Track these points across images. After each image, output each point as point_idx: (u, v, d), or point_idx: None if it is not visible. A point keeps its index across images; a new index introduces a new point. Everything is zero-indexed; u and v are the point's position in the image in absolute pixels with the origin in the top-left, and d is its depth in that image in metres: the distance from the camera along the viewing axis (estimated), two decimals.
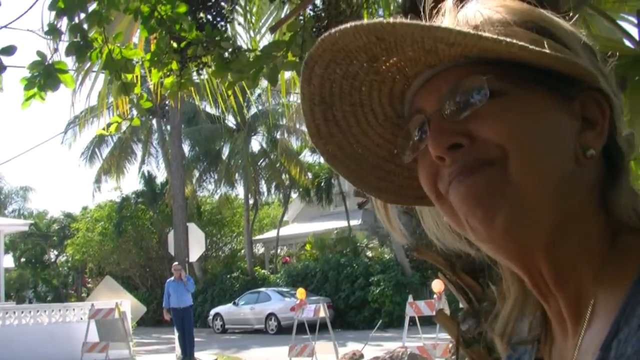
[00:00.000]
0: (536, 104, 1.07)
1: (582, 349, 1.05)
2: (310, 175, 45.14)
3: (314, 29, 5.44)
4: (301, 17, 5.45)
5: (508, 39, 1.00)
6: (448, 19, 1.13)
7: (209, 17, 5.73)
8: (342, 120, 1.22)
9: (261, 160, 46.24)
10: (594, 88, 1.11)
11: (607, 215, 1.09)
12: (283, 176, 45.56)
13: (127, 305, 23.62)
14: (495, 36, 1.00)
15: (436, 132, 1.08)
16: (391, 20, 1.03)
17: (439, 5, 1.18)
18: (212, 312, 38.79)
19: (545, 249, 1.07)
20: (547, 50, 1.02)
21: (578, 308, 1.08)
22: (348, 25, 1.04)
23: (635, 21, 5.68)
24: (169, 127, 43.14)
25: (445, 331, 4.98)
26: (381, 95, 1.21)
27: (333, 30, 1.05)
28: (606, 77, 1.13)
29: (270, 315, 35.02)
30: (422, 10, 1.19)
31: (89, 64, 6.92)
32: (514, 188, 1.03)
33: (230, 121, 45.35)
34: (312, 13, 5.55)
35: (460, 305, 4.94)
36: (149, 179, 49.04)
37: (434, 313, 14.42)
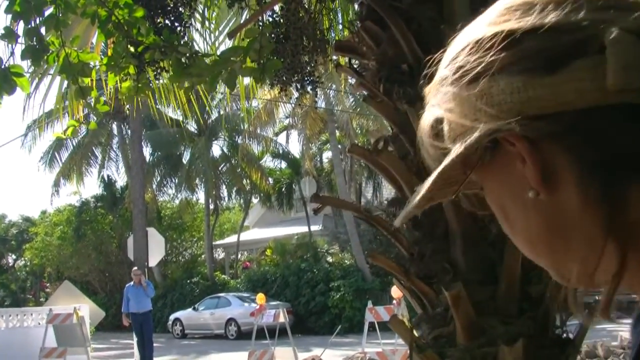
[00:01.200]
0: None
1: None
2: (271, 180, 45.13)
3: (272, 35, 5.45)
4: (260, 23, 5.46)
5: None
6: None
7: (167, 21, 5.72)
8: None
9: (222, 165, 46.11)
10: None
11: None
12: (244, 181, 45.46)
13: (86, 310, 23.43)
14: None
15: None
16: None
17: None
18: (172, 317, 38.55)
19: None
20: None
21: None
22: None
23: None
24: (129, 131, 42.87)
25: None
26: None
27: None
28: None
29: (230, 321, 34.92)
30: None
31: (45, 68, 6.87)
32: None
33: (192, 126, 45.21)
34: (270, 19, 5.57)
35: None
36: (108, 183, 48.69)
37: None
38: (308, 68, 5.95)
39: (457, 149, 0.99)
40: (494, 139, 0.99)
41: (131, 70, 5.09)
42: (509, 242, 1.12)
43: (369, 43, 5.06)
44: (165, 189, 47.89)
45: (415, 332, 4.80)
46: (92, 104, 5.15)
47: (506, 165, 1.02)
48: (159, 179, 46.98)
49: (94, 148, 46.64)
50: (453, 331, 4.48)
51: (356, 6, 5.74)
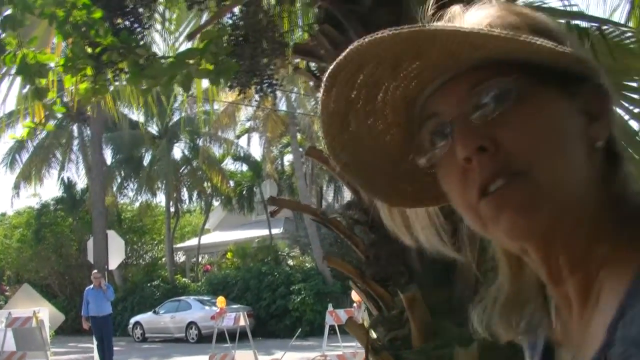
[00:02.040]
0: (554, 107, 1.12)
1: (589, 329, 1.10)
2: (232, 183, 45.06)
3: (232, 37, 5.45)
4: (220, 25, 5.46)
5: (539, 41, 1.04)
6: (460, 23, 1.16)
7: (127, 22, 5.70)
8: (356, 128, 1.24)
9: (183, 168, 45.94)
10: (594, 83, 1.16)
11: (613, 201, 1.13)
12: (205, 184, 45.31)
13: (46, 313, 23.17)
14: (526, 38, 1.04)
15: (464, 133, 1.11)
16: (433, 27, 1.06)
17: (442, 12, 1.21)
18: (132, 320, 38.34)
19: (567, 240, 1.12)
20: (569, 50, 1.08)
21: (586, 291, 1.13)
22: (387, 31, 1.05)
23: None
24: (90, 133, 42.58)
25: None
26: (395, 101, 1.22)
27: (371, 36, 1.07)
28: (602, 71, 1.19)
29: (190, 324, 34.80)
30: (419, 17, 1.21)
31: (5, 69, 6.83)
32: (545, 196, 1.07)
33: (153, 128, 45.01)
34: (229, 21, 5.57)
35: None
36: (69, 186, 48.26)
37: None
38: (267, 70, 5.96)
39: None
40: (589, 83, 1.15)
41: (89, 71, 5.07)
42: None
43: (327, 46, 5.09)
44: (125, 191, 47.66)
45: (372, 334, 4.82)
46: (49, 105, 5.13)
47: (574, 108, 1.15)
48: (119, 181, 46.69)
49: (54, 150, 46.24)
50: (408, 333, 4.51)
51: (315, 10, 5.76)
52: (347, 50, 1.11)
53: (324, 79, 1.17)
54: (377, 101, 1.22)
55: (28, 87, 5.29)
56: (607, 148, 1.17)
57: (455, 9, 1.21)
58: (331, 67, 1.15)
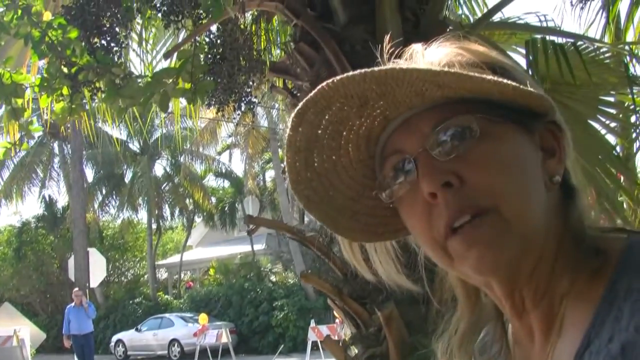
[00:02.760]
0: (514, 143, 1.15)
1: (553, 359, 1.12)
2: (214, 199, 44.99)
3: (209, 56, 5.46)
4: (197, 44, 5.46)
5: (504, 80, 1.08)
6: (421, 62, 1.19)
7: (104, 42, 5.70)
8: (320, 164, 1.27)
9: (165, 185, 45.83)
10: (549, 120, 1.20)
11: (571, 235, 1.17)
12: (187, 200, 45.21)
13: (26, 332, 23.07)
14: (493, 78, 1.07)
15: (429, 169, 1.13)
16: (403, 66, 1.09)
17: (403, 50, 1.25)
18: (114, 338, 38.10)
19: (530, 274, 1.16)
20: (532, 89, 1.11)
21: (550, 323, 1.16)
22: (357, 72, 1.08)
23: (524, 52, 5.87)
24: (70, 151, 42.44)
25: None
26: (358, 139, 1.25)
27: (341, 76, 1.10)
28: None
29: (173, 341, 34.64)
30: (380, 51, 1.25)
31: None
32: (513, 231, 1.11)
33: (134, 145, 44.92)
34: (207, 39, 5.58)
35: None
36: (49, 203, 48.04)
37: (336, 337, 14.47)
38: (245, 88, 5.97)
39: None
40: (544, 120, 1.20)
41: (65, 91, 5.07)
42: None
43: (302, 64, 5.11)
44: (107, 208, 47.42)
45: (354, 350, 4.83)
46: (26, 125, 5.11)
47: (532, 144, 1.18)
48: (100, 198, 46.49)
49: (35, 167, 46.00)
50: (386, 350, 4.51)
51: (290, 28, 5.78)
52: (316, 89, 1.13)
53: (292, 117, 1.19)
54: (341, 138, 1.25)
55: (4, 106, 5.29)
56: (563, 182, 1.20)
57: (416, 47, 1.24)
58: (299, 105, 1.17)
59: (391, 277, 1.37)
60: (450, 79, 1.07)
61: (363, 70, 1.08)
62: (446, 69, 1.11)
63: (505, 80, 1.08)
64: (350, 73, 1.09)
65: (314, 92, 1.14)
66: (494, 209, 1.10)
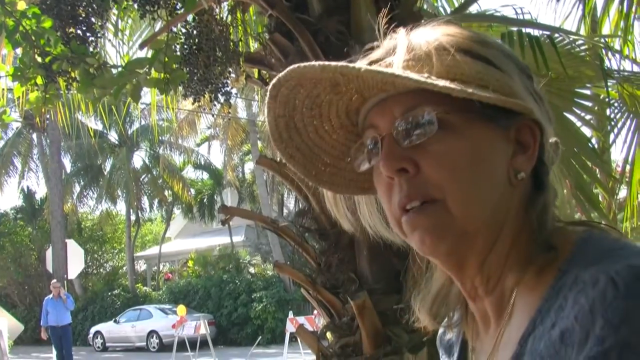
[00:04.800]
0: (478, 138, 1.17)
1: (502, 342, 1.20)
2: (193, 191, 44.90)
3: (185, 46, 5.45)
4: (173, 34, 5.45)
5: (458, 87, 1.09)
6: (401, 52, 1.20)
7: (79, 31, 5.68)
8: (302, 127, 1.33)
9: (143, 176, 45.67)
10: (530, 118, 1.21)
11: (530, 228, 1.20)
12: (166, 192, 45.15)
13: (4, 323, 22.92)
14: (446, 83, 1.10)
15: (387, 154, 1.18)
16: (356, 66, 1.11)
17: (392, 29, 1.28)
18: (93, 330, 38.02)
19: (480, 265, 1.21)
20: (491, 95, 1.12)
21: (501, 309, 1.22)
22: (316, 63, 1.13)
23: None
24: (48, 141, 42.20)
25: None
26: (339, 109, 1.30)
27: (302, 64, 1.15)
28: (539, 99, 1.25)
29: (151, 333, 34.61)
30: (377, 29, 1.28)
31: None
32: (455, 222, 1.15)
33: (113, 136, 44.75)
34: (183, 30, 5.57)
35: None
36: (28, 195, 47.87)
37: (314, 329, 14.50)
38: (222, 79, 5.97)
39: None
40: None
41: (39, 80, 5.04)
42: (413, 251, 1.25)
43: (277, 55, 5.11)
44: (85, 200, 47.21)
45: (329, 340, 4.85)
46: None
47: (502, 137, 1.20)
48: (79, 189, 46.30)
49: (13, 158, 45.74)
50: (359, 340, 4.53)
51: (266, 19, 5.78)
52: (286, 70, 1.17)
53: (269, 88, 1.23)
54: (320, 108, 1.30)
55: None
56: (535, 177, 1.23)
57: (400, 35, 1.25)
58: (274, 79, 1.22)
59: (377, 228, 1.40)
60: (407, 82, 1.12)
61: (323, 63, 1.12)
62: (413, 64, 1.16)
63: (459, 87, 1.10)
64: (309, 63, 1.13)
65: (284, 72, 1.18)
66: (441, 201, 1.15)
